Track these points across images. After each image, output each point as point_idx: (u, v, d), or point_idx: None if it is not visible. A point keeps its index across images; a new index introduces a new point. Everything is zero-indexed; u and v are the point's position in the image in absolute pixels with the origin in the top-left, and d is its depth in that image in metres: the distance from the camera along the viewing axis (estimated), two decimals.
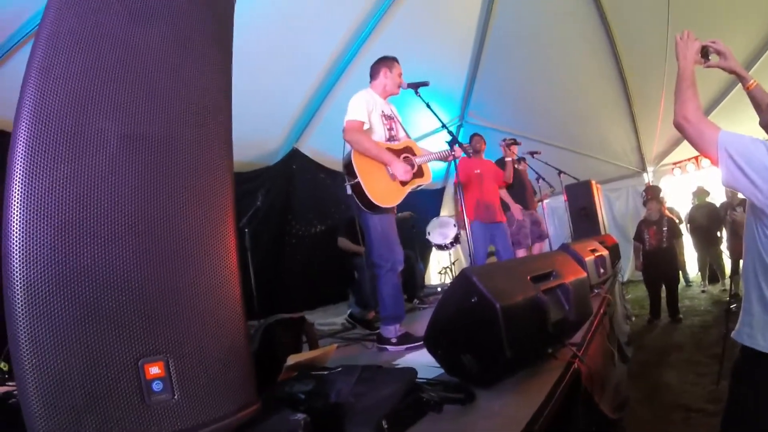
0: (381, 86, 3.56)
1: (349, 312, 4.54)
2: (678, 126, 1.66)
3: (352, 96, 3.40)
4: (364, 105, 3.31)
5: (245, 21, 4.74)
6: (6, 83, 3.82)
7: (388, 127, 3.48)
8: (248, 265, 5.20)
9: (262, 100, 5.78)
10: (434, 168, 4.63)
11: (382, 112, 3.48)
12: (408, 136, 3.65)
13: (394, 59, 3.61)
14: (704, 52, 1.85)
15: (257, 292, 5.17)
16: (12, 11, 3.68)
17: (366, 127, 3.27)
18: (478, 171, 5.59)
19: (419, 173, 3.47)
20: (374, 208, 3.19)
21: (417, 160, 3.46)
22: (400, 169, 3.26)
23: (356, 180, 3.13)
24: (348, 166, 3.21)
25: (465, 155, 3.51)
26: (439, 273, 9.47)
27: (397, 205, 3.39)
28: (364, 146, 3.21)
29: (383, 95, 3.58)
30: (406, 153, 3.44)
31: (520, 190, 6.44)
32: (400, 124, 3.63)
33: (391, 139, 3.47)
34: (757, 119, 1.85)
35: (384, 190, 3.22)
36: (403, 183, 3.33)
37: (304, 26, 5.69)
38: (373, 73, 3.62)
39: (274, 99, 6.18)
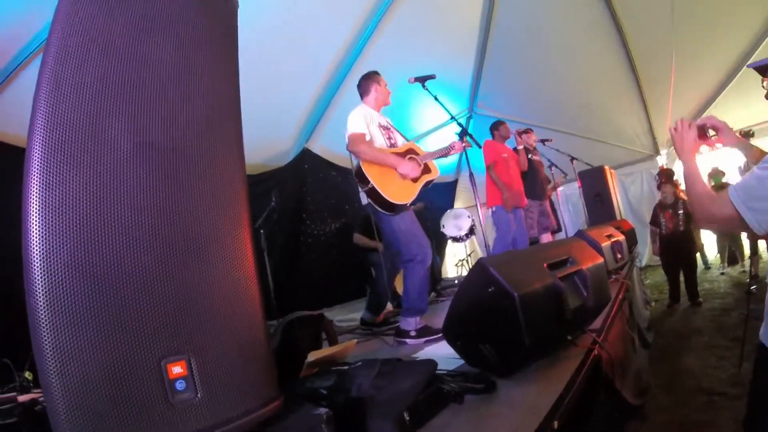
0: (373, 100, 3.71)
1: (360, 318, 4.52)
2: (706, 227, 1.59)
3: (350, 112, 3.51)
4: (362, 119, 3.45)
5: (250, 23, 4.78)
6: (11, 101, 3.91)
7: (387, 136, 3.60)
8: (265, 266, 5.23)
9: (270, 102, 5.80)
10: (445, 161, 4.61)
11: (379, 123, 3.60)
12: (407, 140, 3.76)
13: (377, 73, 3.77)
14: (702, 132, 1.79)
15: (275, 292, 5.20)
16: (15, 30, 3.72)
17: (368, 138, 3.40)
18: (506, 155, 5.61)
19: (426, 170, 3.57)
20: (393, 208, 3.29)
21: (421, 159, 3.55)
22: (408, 168, 3.39)
23: (370, 185, 3.24)
24: (359, 174, 3.32)
25: (474, 146, 3.53)
26: (456, 265, 9.45)
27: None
28: (370, 155, 3.34)
29: (377, 108, 3.72)
30: (410, 154, 3.55)
31: (531, 180, 6.38)
32: (398, 132, 3.76)
33: (391, 147, 3.59)
34: (763, 93, 1.78)
35: (398, 188, 3.32)
36: (414, 180, 3.43)
37: (308, 25, 5.70)
38: (363, 91, 3.76)
39: (283, 100, 6.23)
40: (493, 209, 5.50)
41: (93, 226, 1.03)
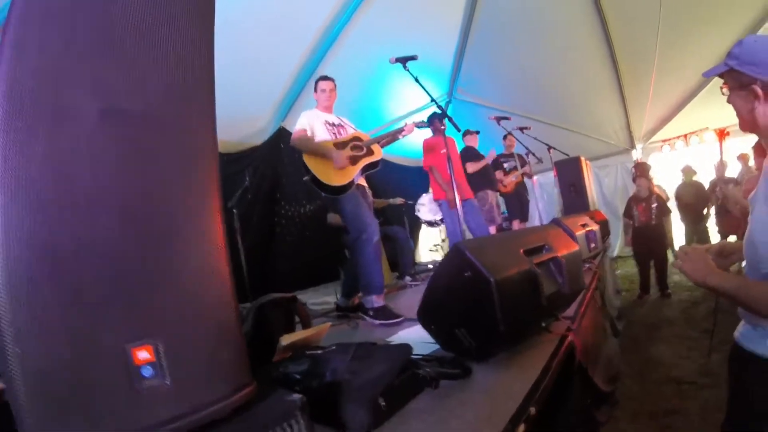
0: (320, 105, 4.05)
1: (335, 303, 4.48)
2: None
3: None
4: (305, 119, 3.83)
5: None
6: None
7: (334, 132, 3.89)
8: (238, 246, 5.14)
9: (247, 78, 5.69)
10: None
11: (326, 121, 3.91)
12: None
13: (317, 80, 4.10)
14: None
15: (248, 274, 5.12)
16: None
17: (309, 134, 3.75)
18: (444, 150, 5.55)
19: (369, 152, 3.85)
20: (336, 191, 3.56)
21: (365, 143, 3.86)
22: (336, 157, 3.61)
23: (311, 174, 3.57)
24: (304, 165, 3.63)
25: (418, 128, 3.97)
26: (430, 250, 9.46)
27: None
28: (308, 147, 3.67)
29: (325, 110, 4.03)
30: (354, 142, 3.83)
31: (486, 170, 6.72)
32: (352, 128, 4.07)
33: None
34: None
35: (336, 172, 3.59)
36: (353, 162, 3.70)
37: (290, 1, 5.57)
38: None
39: (260, 76, 6.09)
40: (440, 203, 5.67)
41: (52, 198, 0.96)
